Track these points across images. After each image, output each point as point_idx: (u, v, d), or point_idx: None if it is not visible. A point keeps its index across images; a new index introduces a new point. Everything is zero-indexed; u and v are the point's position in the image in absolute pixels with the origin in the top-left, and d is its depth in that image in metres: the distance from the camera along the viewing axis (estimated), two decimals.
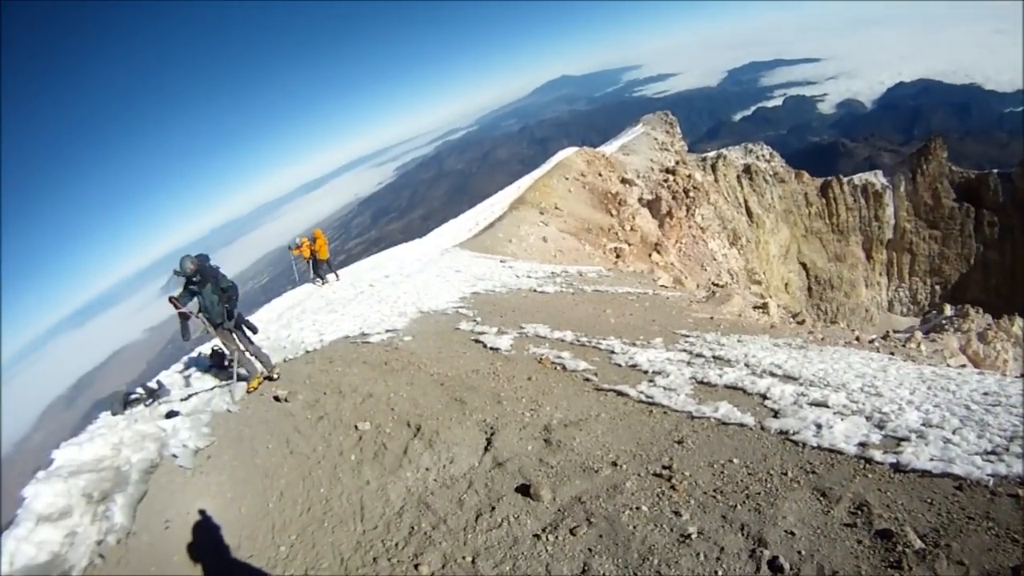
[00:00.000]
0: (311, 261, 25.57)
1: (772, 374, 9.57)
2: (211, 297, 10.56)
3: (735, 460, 6.36)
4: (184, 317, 10.64)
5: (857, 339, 16.21)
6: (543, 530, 5.80)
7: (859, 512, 5.07)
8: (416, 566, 5.83)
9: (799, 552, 4.71)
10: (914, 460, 5.70)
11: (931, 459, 5.71)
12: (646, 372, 9.97)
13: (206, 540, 7.38)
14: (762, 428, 7.10)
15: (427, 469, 7.65)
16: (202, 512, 7.90)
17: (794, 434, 6.77)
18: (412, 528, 6.57)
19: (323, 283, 25.31)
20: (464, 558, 5.77)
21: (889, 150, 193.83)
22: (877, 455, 5.94)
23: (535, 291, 19.77)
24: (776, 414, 7.50)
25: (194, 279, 10.46)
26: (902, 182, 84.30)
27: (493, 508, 6.42)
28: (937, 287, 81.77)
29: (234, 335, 11.03)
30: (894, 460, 5.81)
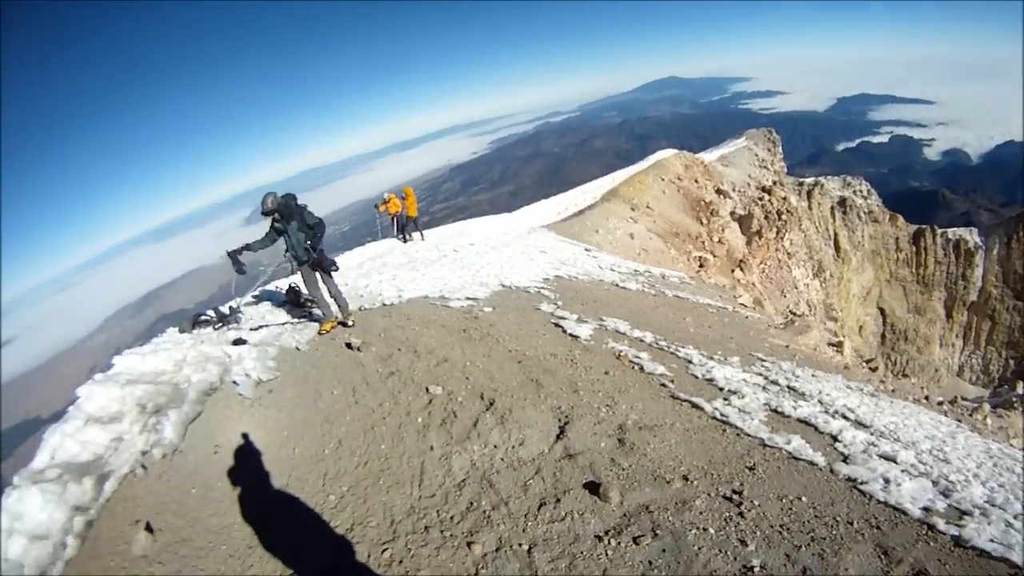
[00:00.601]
0: (395, 218, 25.66)
1: (844, 417, 9.12)
2: (296, 235, 10.45)
3: (803, 498, 6.04)
4: (235, 255, 10.61)
5: (927, 398, 15.78)
6: (606, 532, 5.53)
7: None
8: (469, 544, 5.60)
9: None
10: (975, 537, 5.39)
11: (991, 540, 5.38)
12: (722, 389, 9.57)
13: (254, 473, 7.27)
14: (831, 471, 6.75)
15: (495, 446, 7.38)
16: (254, 444, 7.83)
17: (862, 483, 6.43)
18: (471, 504, 6.33)
19: (407, 240, 25.32)
20: (520, 545, 5.52)
21: (988, 209, 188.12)
22: (940, 523, 5.63)
23: (617, 285, 19.43)
24: (846, 459, 7.15)
25: (277, 217, 10.40)
26: (996, 245, 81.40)
27: (558, 500, 6.15)
28: (1012, 361, 78.45)
29: (316, 274, 10.90)
30: (956, 533, 5.50)
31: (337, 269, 11.15)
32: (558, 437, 7.47)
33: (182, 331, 11.44)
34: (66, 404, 8.49)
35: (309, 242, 10.54)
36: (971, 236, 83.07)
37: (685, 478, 6.44)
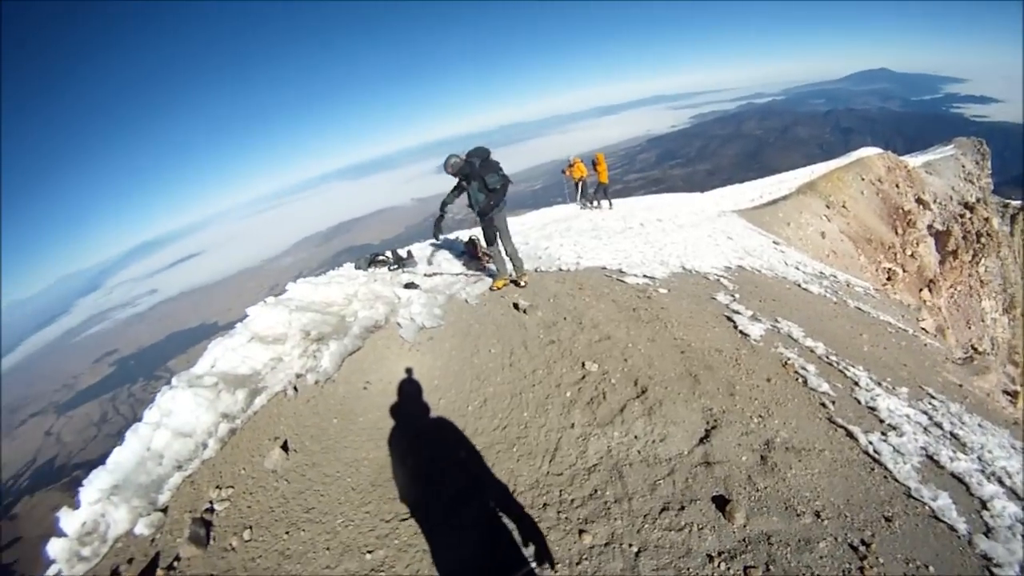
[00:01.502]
0: (579, 183, 25.81)
1: (1001, 482, 8.48)
2: (476, 195, 10.57)
3: (931, 568, 5.53)
4: (439, 219, 10.90)
5: None
6: (719, 554, 5.35)
7: None
8: (581, 532, 5.57)
9: None
10: None
11: None
12: (882, 421, 8.90)
13: (396, 415, 7.48)
14: (970, 543, 6.05)
15: (636, 437, 7.26)
16: (404, 387, 8.04)
17: (997, 566, 5.74)
18: (595, 491, 6.25)
19: (593, 207, 25.24)
20: (630, 546, 5.44)
21: None
22: None
23: (799, 286, 18.73)
24: (988, 532, 6.37)
25: (460, 176, 10.58)
26: None
27: (682, 508, 5.96)
28: None
29: (496, 232, 11.02)
30: None
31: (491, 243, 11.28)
32: (701, 440, 7.27)
33: (358, 267, 11.85)
34: (240, 316, 9.01)
35: (491, 202, 10.65)
36: None
37: (817, 514, 6.09)
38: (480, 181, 10.48)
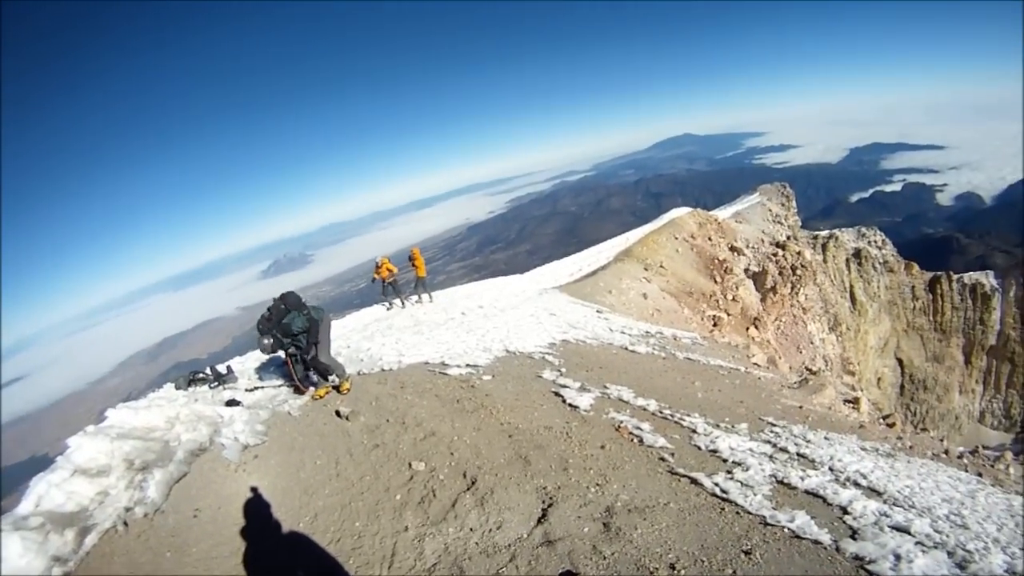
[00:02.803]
0: (385, 283, 25.73)
1: (856, 484, 8.77)
2: (299, 342, 10.79)
3: None
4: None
5: (947, 452, 15.28)
6: None
7: None
8: None
9: None
10: None
11: None
12: (725, 460, 9.22)
13: (227, 542, 7.15)
14: (837, 549, 6.32)
15: (471, 529, 7.15)
16: (232, 511, 7.74)
17: (870, 563, 5.99)
18: None
19: (414, 303, 25.50)
20: None
21: (1003, 251, 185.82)
22: None
23: (626, 349, 19.26)
24: (855, 534, 6.72)
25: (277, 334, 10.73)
26: (1012, 287, 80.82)
27: None
28: None
29: (313, 346, 10.94)
30: None
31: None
32: (539, 521, 7.21)
33: (178, 387, 11.50)
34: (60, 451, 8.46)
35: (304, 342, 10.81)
36: (987, 279, 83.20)
37: (672, 567, 6.08)
38: (292, 337, 10.75)
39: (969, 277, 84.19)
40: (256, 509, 7.78)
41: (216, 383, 11.63)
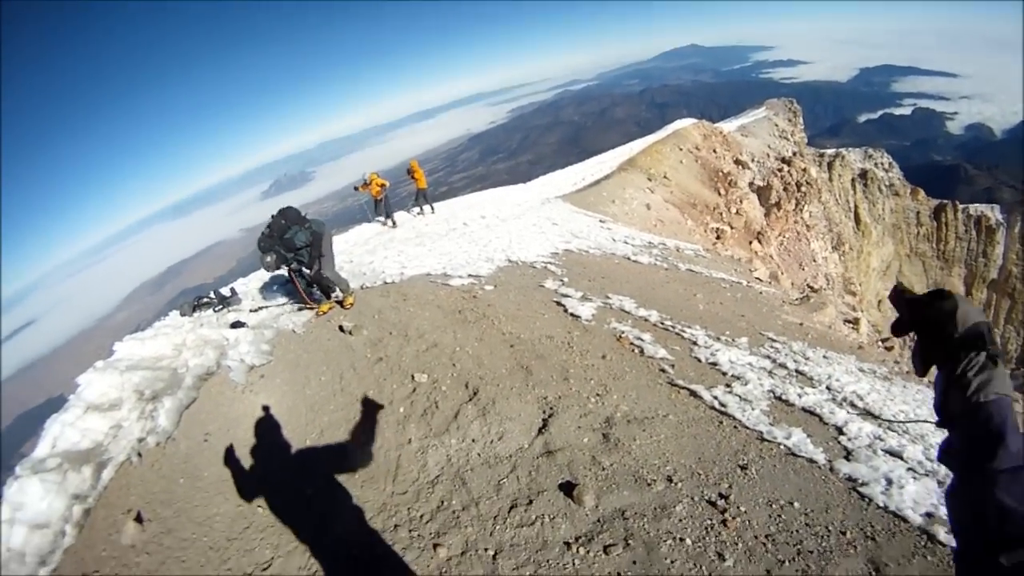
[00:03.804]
0: (377, 201, 24.34)
1: (853, 405, 8.75)
2: (300, 258, 10.77)
3: (796, 503, 5.71)
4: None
5: None
6: (576, 539, 5.33)
7: None
8: (435, 546, 5.50)
9: None
10: None
11: None
12: (725, 374, 9.26)
13: (237, 462, 7.26)
14: (831, 469, 6.39)
15: (473, 440, 7.26)
16: (241, 433, 7.87)
17: (862, 485, 6.06)
18: (442, 503, 6.24)
19: (391, 225, 24.63)
20: (486, 550, 5.39)
21: (1011, 186, 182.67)
22: (941, 532, 5.22)
23: (628, 259, 19.19)
24: (848, 455, 6.76)
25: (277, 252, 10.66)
26: (1018, 223, 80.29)
27: (531, 502, 6.00)
28: None
29: (316, 260, 10.87)
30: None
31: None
32: (540, 431, 7.31)
33: (183, 314, 11.51)
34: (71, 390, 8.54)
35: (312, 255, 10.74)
36: (993, 213, 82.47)
37: (669, 479, 6.19)
38: (295, 252, 10.67)
39: (975, 208, 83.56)
40: (264, 429, 7.89)
41: (220, 306, 11.65)
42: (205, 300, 11.89)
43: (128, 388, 8.06)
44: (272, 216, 10.67)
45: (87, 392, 7.89)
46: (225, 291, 12.41)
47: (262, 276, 13.65)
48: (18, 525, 5.82)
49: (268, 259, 10.52)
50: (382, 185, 24.02)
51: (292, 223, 10.57)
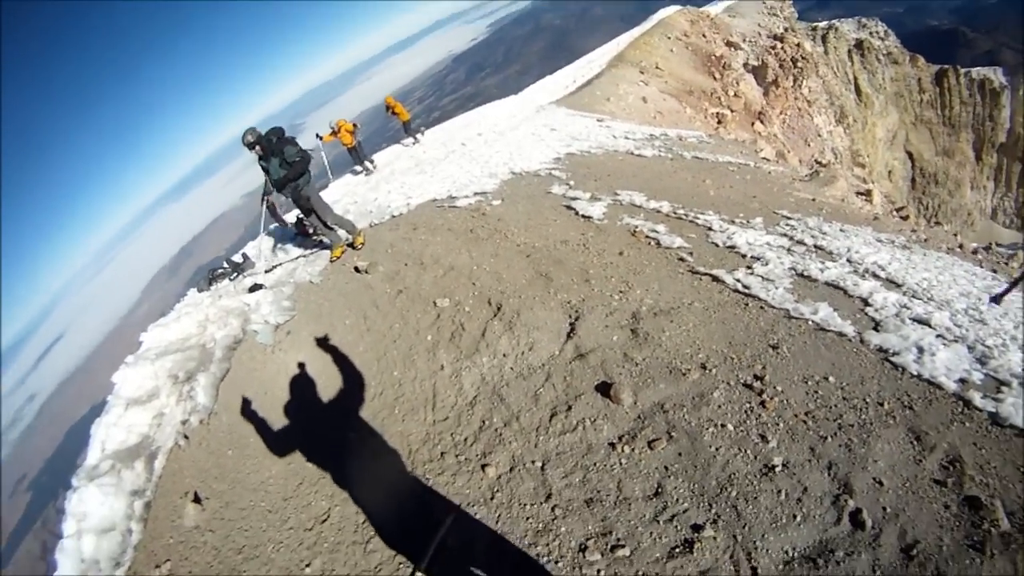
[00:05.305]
0: (350, 150, 22.59)
1: (875, 275, 8.58)
2: (277, 171, 10.33)
3: (831, 378, 5.64)
4: (272, 208, 10.69)
5: (961, 247, 15.01)
6: (619, 439, 5.33)
7: (951, 468, 4.42)
8: (484, 466, 5.51)
9: (884, 508, 4.13)
10: (1013, 414, 4.92)
11: None
12: (744, 256, 9.09)
13: (280, 421, 7.41)
14: (861, 341, 6.26)
15: (504, 355, 7.25)
16: (278, 392, 7.95)
17: (894, 355, 5.94)
18: (483, 422, 6.27)
19: (367, 171, 23.80)
20: (534, 463, 5.40)
21: (1012, 48, 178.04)
22: (976, 398, 5.11)
23: (632, 154, 18.87)
24: (877, 326, 6.62)
25: (259, 153, 10.31)
26: (1022, 85, 79.69)
27: (569, 408, 5.99)
28: None
29: (311, 207, 10.77)
30: (993, 409, 4.94)
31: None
32: (568, 336, 7.27)
33: (200, 290, 11.61)
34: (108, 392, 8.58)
35: (290, 177, 10.40)
36: (996, 76, 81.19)
37: (703, 367, 6.15)
38: (280, 157, 10.25)
39: (977, 72, 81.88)
40: (299, 385, 7.94)
41: (235, 274, 11.70)
42: (219, 271, 11.93)
43: (162, 375, 8.15)
44: (258, 136, 10.22)
45: (124, 388, 7.98)
46: (237, 258, 12.43)
47: (272, 236, 13.61)
48: (86, 535, 5.92)
49: (248, 135, 10.16)
50: (351, 131, 22.48)
51: (280, 138, 10.32)
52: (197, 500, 6.27)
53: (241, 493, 6.40)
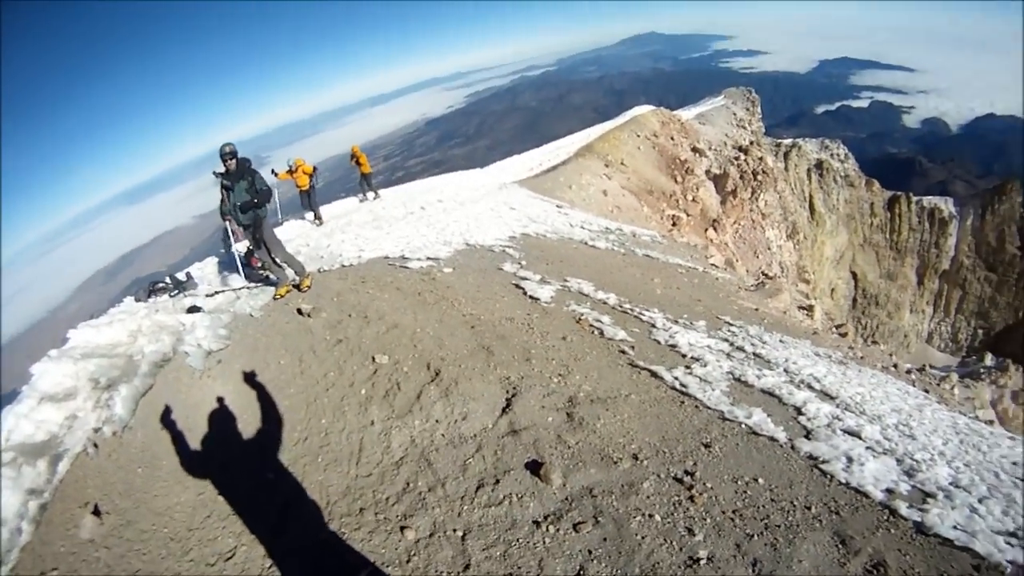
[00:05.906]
0: (303, 193, 20.99)
1: (810, 387, 8.97)
2: (242, 195, 10.26)
3: (760, 480, 5.82)
4: (226, 231, 10.62)
5: (895, 366, 15.53)
6: (545, 518, 5.34)
7: (875, 572, 4.58)
8: (403, 528, 5.47)
9: None
10: (938, 524, 5.16)
11: (955, 527, 5.17)
12: (684, 356, 9.38)
13: (196, 450, 7.19)
14: (792, 447, 6.54)
15: (437, 421, 7.21)
16: (199, 420, 7.74)
17: (823, 463, 6.23)
18: (407, 484, 6.19)
19: (370, 200, 23.69)
20: (455, 531, 5.36)
21: (964, 180, 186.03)
22: (903, 508, 5.40)
23: (586, 244, 19.28)
24: (809, 434, 6.95)
25: (227, 172, 10.23)
26: (970, 216, 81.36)
27: (497, 481, 5.98)
28: (980, 331, 78.51)
29: (262, 240, 10.72)
30: (919, 519, 5.28)
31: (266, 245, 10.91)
32: (504, 411, 7.28)
33: (138, 299, 11.38)
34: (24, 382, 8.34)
35: (254, 207, 10.37)
36: (946, 205, 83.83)
37: (635, 457, 6.24)
38: (249, 181, 10.24)
39: (928, 201, 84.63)
40: (223, 415, 7.79)
41: (176, 291, 11.53)
42: (160, 285, 11.76)
43: (83, 376, 7.94)
44: (233, 157, 10.17)
45: (41, 382, 7.74)
46: (181, 276, 12.28)
47: (218, 262, 13.48)
48: None
49: (227, 149, 10.05)
50: (309, 174, 20.90)
51: (250, 168, 10.29)
52: (97, 513, 6.08)
53: (144, 514, 6.20)
